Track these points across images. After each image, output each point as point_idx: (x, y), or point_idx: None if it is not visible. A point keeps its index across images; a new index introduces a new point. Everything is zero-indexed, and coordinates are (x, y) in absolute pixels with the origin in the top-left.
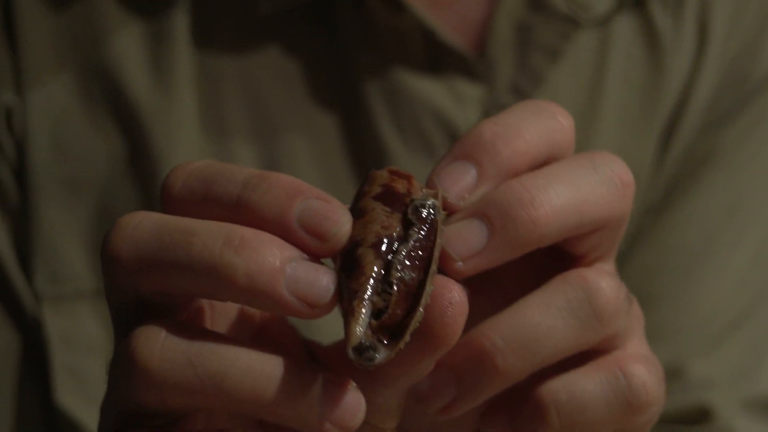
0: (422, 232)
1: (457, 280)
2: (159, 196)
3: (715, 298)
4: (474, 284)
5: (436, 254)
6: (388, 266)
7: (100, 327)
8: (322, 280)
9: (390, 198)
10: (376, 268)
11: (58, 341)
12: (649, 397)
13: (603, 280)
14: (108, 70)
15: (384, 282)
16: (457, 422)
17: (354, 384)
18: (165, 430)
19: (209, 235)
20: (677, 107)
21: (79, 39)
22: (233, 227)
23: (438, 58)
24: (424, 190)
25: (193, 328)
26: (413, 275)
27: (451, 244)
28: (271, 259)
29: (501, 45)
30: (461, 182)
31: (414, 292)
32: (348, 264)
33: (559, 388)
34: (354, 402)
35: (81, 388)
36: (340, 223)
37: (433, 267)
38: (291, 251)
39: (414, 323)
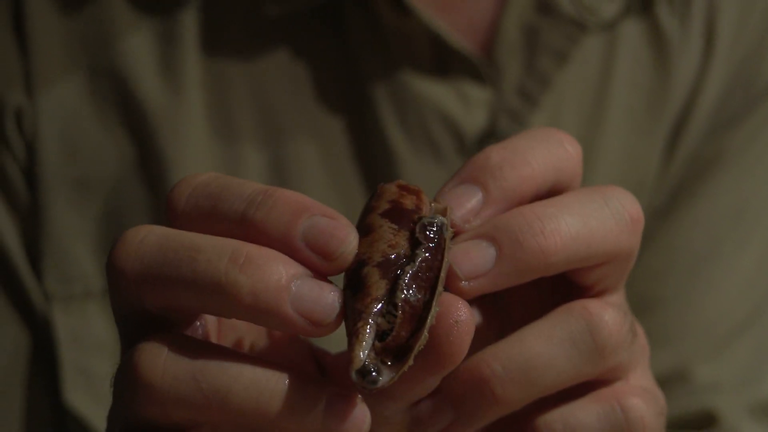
0: (429, 252)
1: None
2: (164, 209)
3: (721, 301)
4: (477, 306)
5: (443, 275)
6: (393, 287)
7: (109, 326)
8: (328, 298)
9: (397, 215)
10: (381, 289)
11: (68, 340)
12: (646, 430)
13: (606, 313)
14: (118, 72)
15: (389, 303)
16: None
17: (360, 397)
18: None
19: (214, 252)
20: (684, 110)
21: (89, 41)
22: (238, 244)
23: (445, 61)
24: (432, 205)
25: (197, 343)
26: (419, 296)
27: (457, 263)
28: (276, 277)
29: (508, 48)
30: (467, 205)
31: (419, 314)
32: (353, 283)
33: (555, 418)
34: (360, 416)
35: (90, 386)
36: (347, 241)
37: (440, 288)
38: (296, 269)
39: (418, 346)
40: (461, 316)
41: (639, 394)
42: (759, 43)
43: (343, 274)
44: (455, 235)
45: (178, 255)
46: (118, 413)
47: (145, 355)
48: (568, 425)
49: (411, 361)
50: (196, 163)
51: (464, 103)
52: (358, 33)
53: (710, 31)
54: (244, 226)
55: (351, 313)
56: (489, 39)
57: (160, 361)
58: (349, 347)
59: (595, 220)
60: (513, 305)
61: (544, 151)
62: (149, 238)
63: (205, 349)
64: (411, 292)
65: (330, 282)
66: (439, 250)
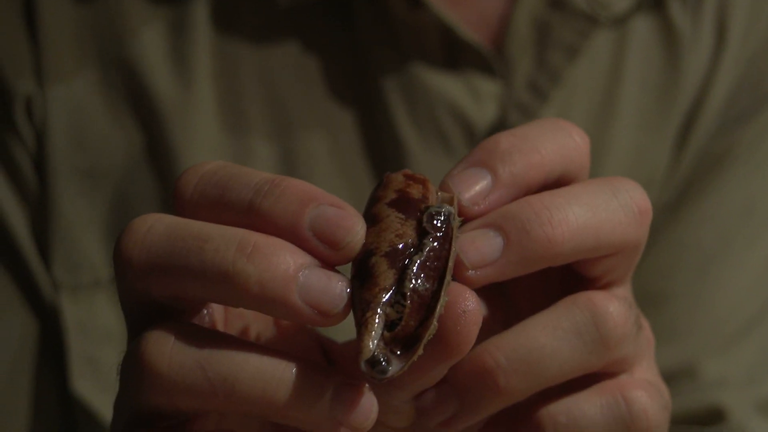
0: (437, 242)
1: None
2: (171, 197)
3: (730, 297)
4: (483, 296)
5: (451, 264)
6: (401, 276)
7: (117, 316)
8: (335, 288)
9: (404, 204)
10: (389, 279)
11: (76, 329)
12: (650, 423)
13: (612, 305)
14: (129, 63)
15: (397, 293)
16: None
17: (367, 387)
18: (176, 431)
19: (222, 241)
20: (694, 106)
21: (100, 31)
22: (246, 233)
23: (455, 54)
24: (439, 194)
25: (204, 331)
26: (427, 286)
27: (464, 252)
28: (284, 266)
29: (519, 42)
30: (475, 187)
31: (428, 303)
32: (361, 273)
33: (559, 410)
34: (367, 405)
35: (97, 376)
36: (353, 231)
37: (448, 277)
38: (304, 258)
39: (428, 336)
40: (469, 306)
41: (643, 386)
42: None
43: (350, 265)
44: (462, 223)
45: (186, 244)
46: (125, 401)
47: (151, 343)
48: (571, 416)
49: (421, 351)
50: (205, 154)
51: (474, 97)
52: (368, 25)
53: (721, 28)
54: (252, 215)
55: (359, 303)
56: (500, 33)
57: (166, 349)
58: (358, 337)
59: (604, 211)
60: (519, 297)
61: (553, 140)
62: (156, 227)
63: (211, 338)
64: (419, 281)
65: (338, 272)
66: (446, 240)
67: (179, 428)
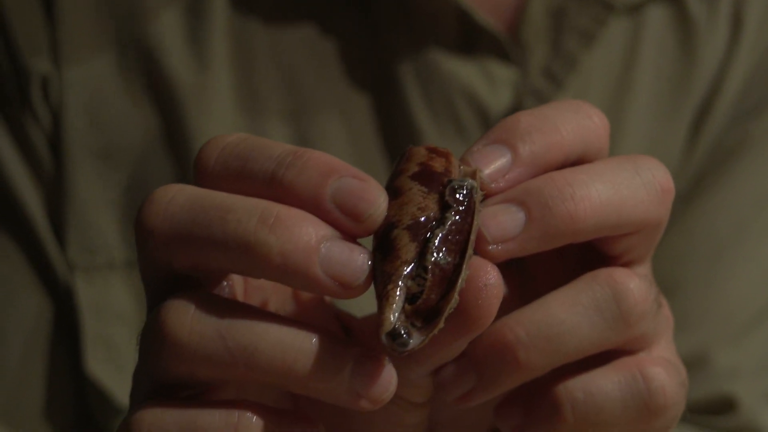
0: (459, 215)
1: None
2: (192, 169)
3: (743, 287)
4: (503, 272)
5: (473, 237)
6: (423, 250)
7: (130, 297)
8: (357, 260)
9: (427, 177)
10: (411, 252)
11: (90, 310)
12: (667, 400)
13: (632, 281)
14: (146, 45)
15: (419, 266)
16: (475, 413)
17: (387, 359)
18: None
19: (244, 212)
20: (709, 96)
21: (118, 13)
22: (268, 204)
23: (471, 40)
24: (461, 168)
25: (224, 301)
26: (449, 259)
27: (486, 226)
28: (306, 238)
29: (535, 28)
30: (495, 164)
31: (449, 277)
32: (383, 246)
33: (576, 386)
34: (387, 378)
35: (111, 357)
36: (376, 203)
37: (470, 251)
38: (326, 230)
39: (449, 309)
40: (490, 280)
41: (661, 363)
42: None
43: (372, 237)
44: (485, 198)
45: (208, 215)
46: (145, 371)
47: (172, 312)
48: (588, 393)
49: (442, 324)
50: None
51: (490, 82)
52: (384, 10)
53: (737, 19)
54: (274, 187)
55: (380, 276)
56: (516, 19)
57: (186, 318)
58: (378, 310)
59: (626, 188)
60: (539, 274)
61: (573, 121)
62: (178, 198)
63: (231, 308)
64: (441, 255)
65: (359, 244)
66: (469, 213)
67: (199, 398)
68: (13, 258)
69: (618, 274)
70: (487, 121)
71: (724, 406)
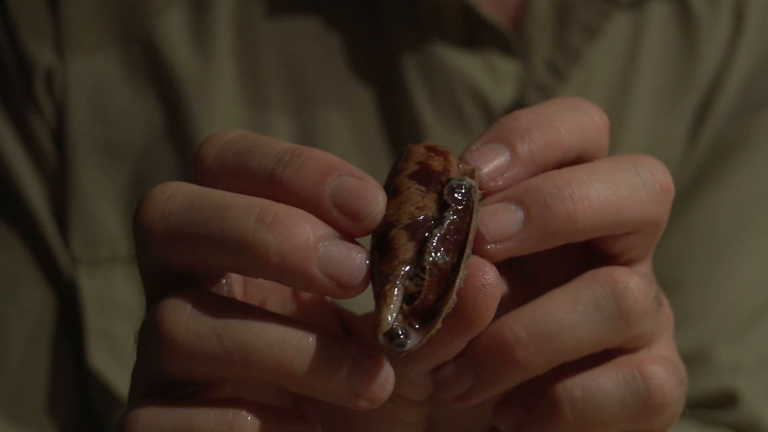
0: (457, 215)
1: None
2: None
3: (744, 283)
4: (502, 271)
5: (471, 237)
6: (421, 249)
7: (134, 291)
8: (355, 259)
9: (425, 176)
10: (409, 252)
11: (93, 304)
12: (666, 398)
13: (632, 280)
14: (150, 38)
15: (417, 266)
16: (474, 411)
17: (385, 358)
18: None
19: (242, 211)
20: (710, 91)
21: (124, 7)
22: (266, 203)
23: (475, 33)
24: (460, 167)
25: (221, 300)
26: (447, 259)
27: (485, 225)
28: (304, 237)
29: (539, 22)
30: (493, 163)
31: (447, 276)
32: (381, 245)
33: (575, 384)
34: (385, 377)
35: (114, 350)
36: (374, 203)
37: (468, 251)
38: (324, 229)
39: (446, 309)
40: (489, 279)
41: (660, 362)
42: None
43: (370, 236)
44: (483, 197)
45: (206, 213)
46: (142, 370)
47: (168, 311)
48: (587, 391)
49: (439, 324)
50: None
51: (493, 76)
52: (389, 3)
53: (739, 14)
54: (272, 185)
55: (378, 276)
56: (520, 13)
57: (183, 317)
58: (376, 310)
59: (625, 188)
60: (538, 273)
61: (572, 119)
62: (177, 195)
63: (229, 306)
64: (439, 254)
65: (357, 243)
66: (467, 213)
67: (196, 396)
68: (17, 251)
69: (618, 273)
70: (490, 115)
71: (726, 400)
